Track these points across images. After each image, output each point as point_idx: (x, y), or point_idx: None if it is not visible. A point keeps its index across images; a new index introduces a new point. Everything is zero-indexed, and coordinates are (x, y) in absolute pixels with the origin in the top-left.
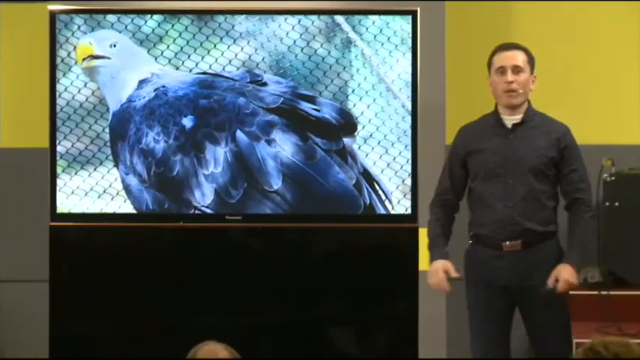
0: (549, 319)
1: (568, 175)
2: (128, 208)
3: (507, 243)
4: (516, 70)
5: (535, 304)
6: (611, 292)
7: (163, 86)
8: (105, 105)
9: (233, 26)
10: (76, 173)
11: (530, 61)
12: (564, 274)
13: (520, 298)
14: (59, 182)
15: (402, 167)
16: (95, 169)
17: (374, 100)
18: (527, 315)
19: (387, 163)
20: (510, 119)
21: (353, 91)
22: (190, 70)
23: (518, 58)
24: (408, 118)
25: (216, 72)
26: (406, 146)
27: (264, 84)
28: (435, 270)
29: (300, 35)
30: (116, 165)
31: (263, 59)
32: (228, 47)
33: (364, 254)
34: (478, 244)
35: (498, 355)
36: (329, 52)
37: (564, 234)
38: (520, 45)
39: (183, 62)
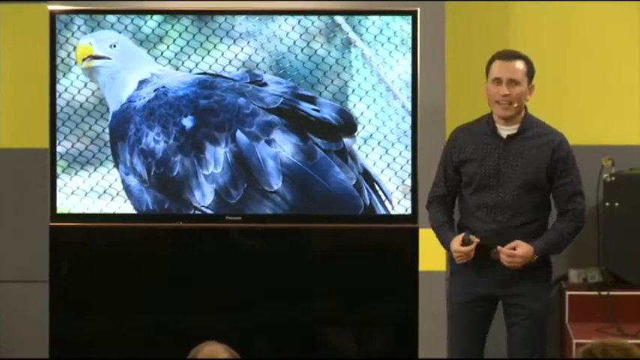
0: (528, 332)
1: (561, 187)
2: (128, 208)
3: (494, 250)
4: (512, 82)
5: (515, 314)
6: (611, 293)
7: (163, 86)
8: (105, 105)
9: (233, 27)
10: (76, 173)
11: (529, 71)
12: (521, 253)
13: (504, 306)
14: (59, 183)
15: (402, 168)
16: (95, 170)
17: (374, 100)
18: (508, 324)
19: (387, 163)
20: (506, 130)
21: (353, 91)
22: (190, 71)
23: (517, 70)
24: (408, 119)
25: (216, 72)
26: (406, 147)
27: (264, 84)
28: (456, 243)
29: (300, 36)
30: (116, 165)
31: (263, 59)
32: (228, 47)
33: (364, 254)
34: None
35: (473, 354)
36: (329, 53)
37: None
38: (520, 54)
39: (183, 62)
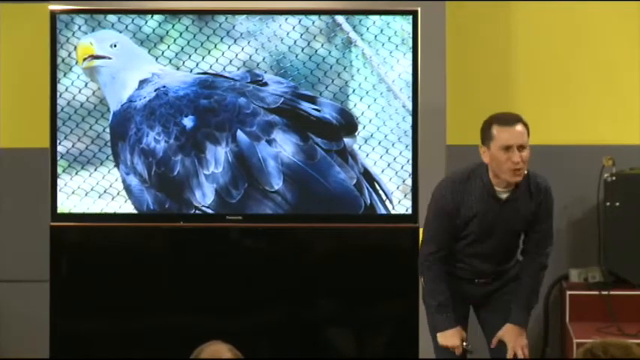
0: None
1: (536, 234)
2: (129, 208)
3: (480, 280)
4: (522, 147)
5: (492, 308)
6: (612, 292)
7: (164, 86)
8: (105, 105)
9: (234, 26)
10: (76, 173)
11: (529, 133)
12: (510, 338)
13: (481, 304)
14: (60, 182)
15: (402, 167)
16: (96, 169)
17: (374, 100)
18: (484, 316)
19: (387, 163)
20: (504, 191)
21: (353, 91)
22: (191, 70)
23: (523, 134)
24: (409, 118)
25: (217, 72)
26: (407, 146)
27: (265, 84)
28: (451, 336)
29: (301, 35)
30: (117, 165)
31: (264, 59)
32: (229, 47)
33: (365, 254)
34: (453, 273)
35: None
36: (329, 52)
37: (566, 232)
38: (520, 118)
39: (183, 62)
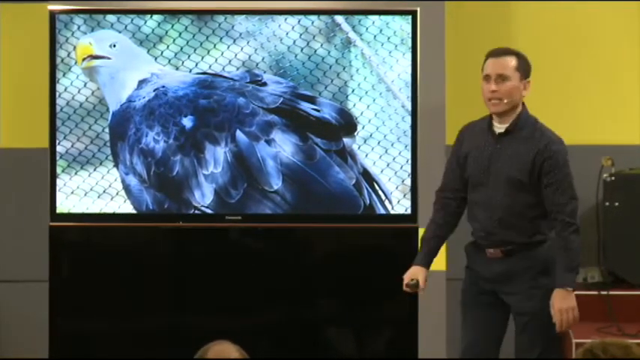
0: (529, 333)
1: (547, 188)
2: (128, 208)
3: (491, 250)
4: (501, 78)
5: (514, 316)
6: (611, 292)
7: (163, 86)
8: (105, 105)
9: (233, 26)
10: (75, 173)
11: (521, 66)
12: (555, 302)
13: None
14: (59, 182)
15: (401, 167)
16: (95, 169)
17: (374, 100)
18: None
19: (386, 163)
20: (499, 127)
21: (353, 91)
22: (190, 70)
23: (506, 65)
24: (408, 118)
25: (216, 72)
26: (406, 146)
27: (264, 84)
28: (408, 271)
29: (300, 35)
30: (116, 165)
31: (263, 59)
32: (228, 47)
33: (364, 254)
34: (474, 245)
35: (485, 347)
36: (329, 52)
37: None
38: (511, 50)
39: (183, 62)
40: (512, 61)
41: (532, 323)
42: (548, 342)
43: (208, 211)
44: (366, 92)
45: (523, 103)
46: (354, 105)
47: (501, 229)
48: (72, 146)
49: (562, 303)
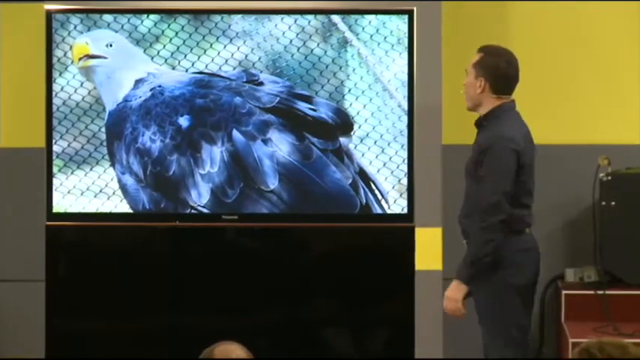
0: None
1: (479, 181)
2: (124, 207)
3: (463, 242)
4: (466, 73)
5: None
6: (608, 292)
7: (160, 86)
8: (101, 104)
9: (229, 26)
10: (72, 173)
11: (480, 62)
12: (447, 289)
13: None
14: (55, 182)
15: (398, 167)
16: (91, 169)
17: (370, 99)
18: None
19: (383, 162)
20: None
21: (349, 90)
22: (187, 70)
23: (471, 60)
24: (405, 118)
25: (213, 71)
26: (402, 146)
27: (261, 83)
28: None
29: (297, 35)
30: (112, 164)
31: (259, 59)
32: (225, 47)
33: (360, 254)
34: None
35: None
36: (325, 52)
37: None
38: (485, 47)
39: (179, 62)
40: (475, 57)
41: (480, 314)
42: (491, 336)
43: (205, 210)
44: (363, 92)
45: (508, 103)
46: (351, 104)
47: (464, 220)
48: (68, 146)
49: (449, 291)
